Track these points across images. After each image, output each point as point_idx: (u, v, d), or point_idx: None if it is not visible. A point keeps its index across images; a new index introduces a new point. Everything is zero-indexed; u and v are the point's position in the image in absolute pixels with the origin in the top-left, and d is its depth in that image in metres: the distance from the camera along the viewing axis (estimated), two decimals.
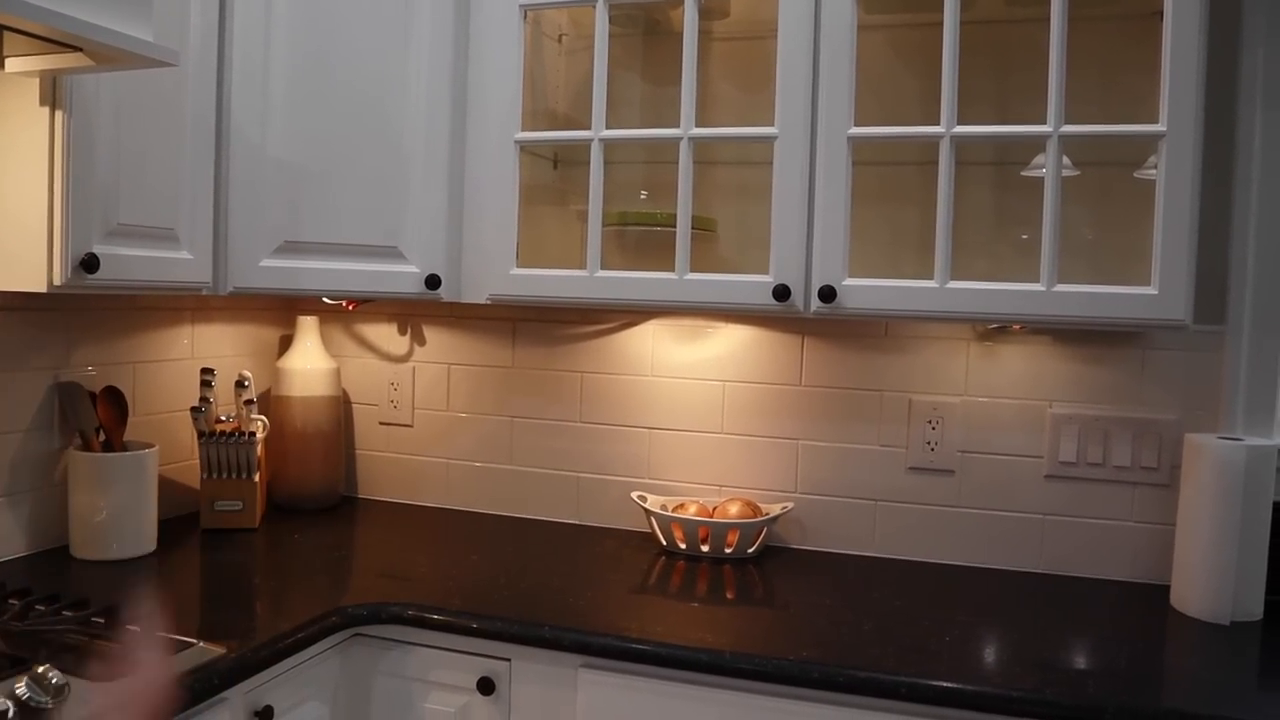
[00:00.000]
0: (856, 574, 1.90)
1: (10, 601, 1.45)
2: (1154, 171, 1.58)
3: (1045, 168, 1.61)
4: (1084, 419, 1.92)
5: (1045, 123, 1.60)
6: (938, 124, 1.64)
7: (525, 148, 1.91)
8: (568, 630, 1.53)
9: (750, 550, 1.97)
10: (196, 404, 2.02)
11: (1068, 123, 1.60)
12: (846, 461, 2.05)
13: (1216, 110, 1.80)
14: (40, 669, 1.15)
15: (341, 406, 2.33)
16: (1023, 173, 1.87)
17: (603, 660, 1.52)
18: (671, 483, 2.16)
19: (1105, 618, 1.68)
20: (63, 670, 1.17)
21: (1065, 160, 1.73)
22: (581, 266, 1.83)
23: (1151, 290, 1.57)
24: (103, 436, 1.85)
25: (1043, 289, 1.60)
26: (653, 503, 2.06)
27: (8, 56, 1.40)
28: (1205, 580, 1.69)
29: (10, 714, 1.08)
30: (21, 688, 1.13)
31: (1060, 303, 1.59)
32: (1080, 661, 1.46)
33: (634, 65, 2.13)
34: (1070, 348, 1.92)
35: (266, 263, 1.80)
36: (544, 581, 1.77)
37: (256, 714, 1.44)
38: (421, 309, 2.34)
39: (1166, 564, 1.86)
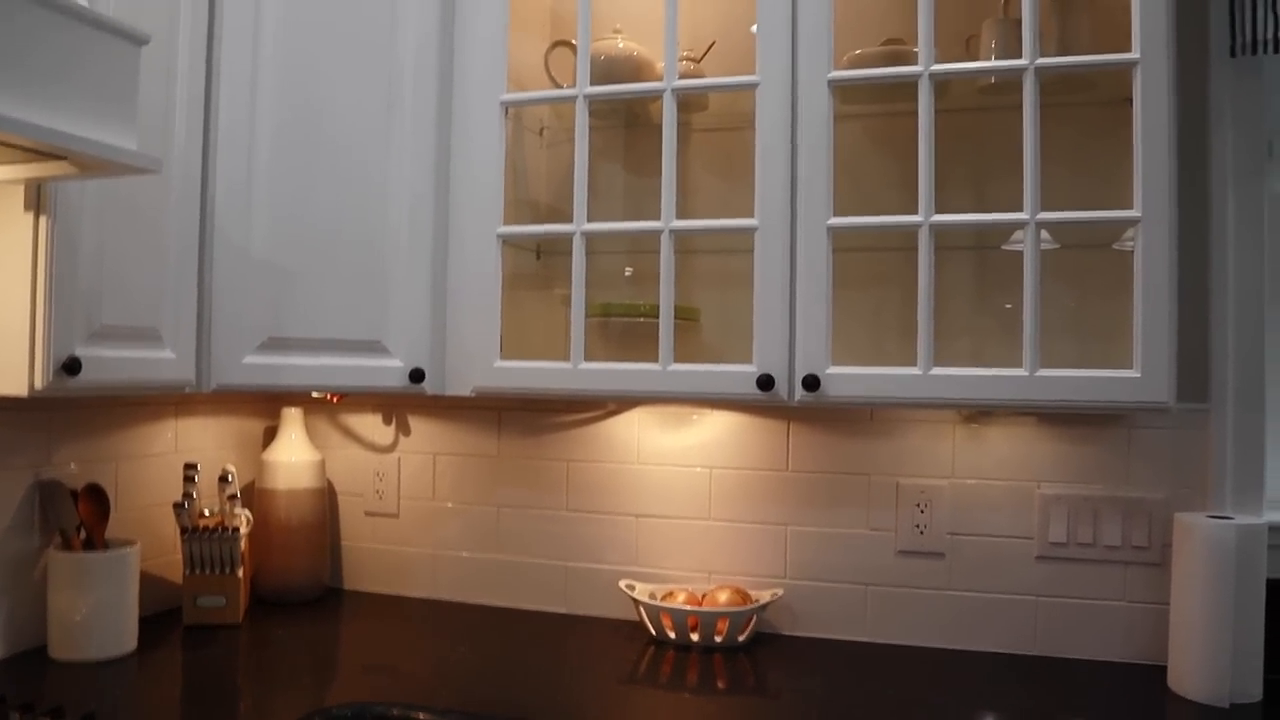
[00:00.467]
0: (848, 660, 1.87)
1: None
2: (1132, 243, 1.59)
3: (1024, 247, 1.63)
4: (1073, 499, 1.91)
5: (1022, 208, 1.62)
6: (916, 211, 1.66)
7: (508, 240, 1.92)
8: None
9: (740, 638, 1.94)
10: (179, 500, 2.00)
11: (1045, 209, 1.62)
12: (835, 546, 2.03)
13: (1189, 191, 1.83)
14: None
15: (326, 498, 2.32)
16: (1003, 246, 1.89)
17: None
18: (660, 570, 2.14)
19: (1102, 701, 1.66)
20: None
21: (1044, 234, 1.75)
22: (565, 356, 1.83)
23: (1134, 373, 1.58)
24: (84, 534, 1.83)
25: (1025, 374, 1.61)
26: (641, 591, 2.04)
27: None
28: (1202, 661, 1.67)
29: None
30: None
31: (1043, 388, 1.60)
32: None
33: (615, 156, 2.15)
34: (1056, 428, 1.92)
35: (250, 360, 1.80)
36: (533, 674, 1.74)
37: None
38: (406, 400, 2.33)
39: (1162, 643, 1.84)
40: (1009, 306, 1.86)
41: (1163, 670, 1.79)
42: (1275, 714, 1.61)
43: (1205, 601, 1.67)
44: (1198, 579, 1.68)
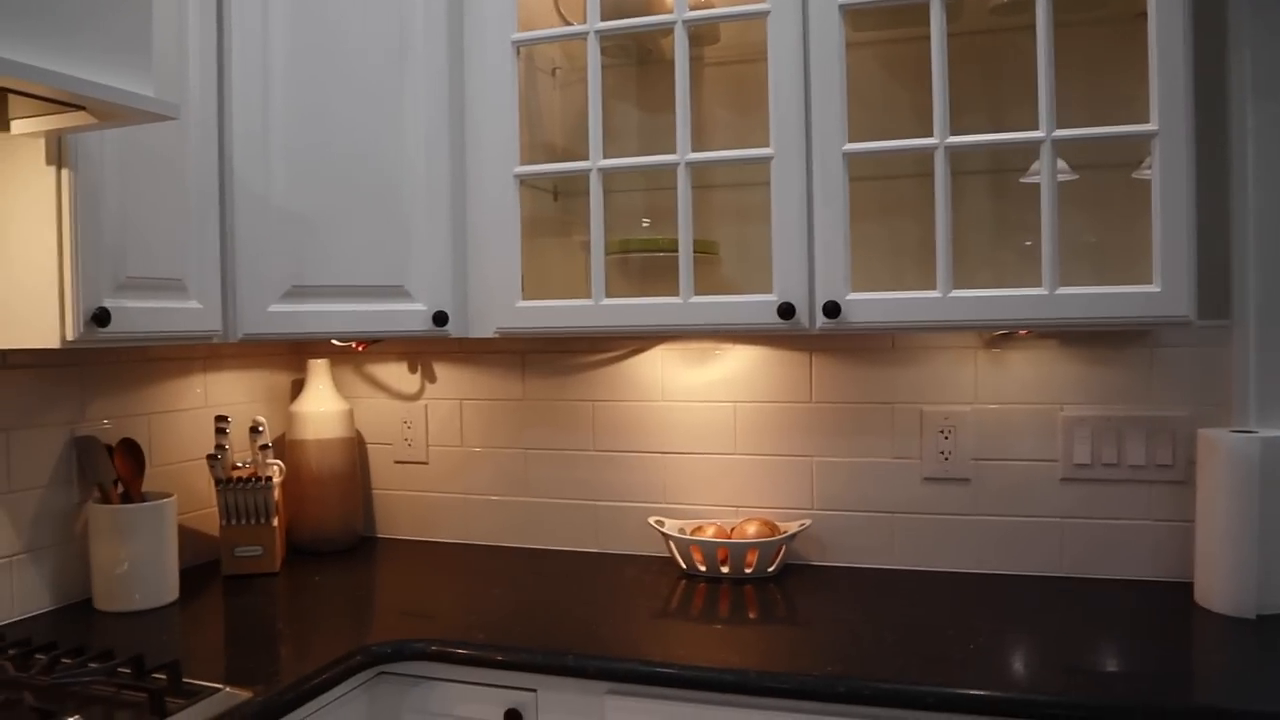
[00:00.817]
0: (877, 587, 1.89)
1: (37, 656, 1.46)
2: (1150, 171, 1.59)
3: (1041, 165, 1.62)
4: (1096, 420, 1.92)
5: (1037, 128, 1.61)
6: (931, 136, 1.66)
7: (525, 181, 1.93)
8: (592, 658, 1.53)
9: (770, 569, 1.97)
10: (212, 451, 2.04)
11: (1060, 127, 1.61)
12: (861, 475, 2.05)
13: (1207, 107, 1.82)
14: (72, 719, 1.15)
15: (356, 447, 2.35)
16: (1021, 180, 1.88)
17: (629, 686, 1.53)
18: (688, 506, 2.16)
19: (1129, 618, 1.67)
20: None
21: (1062, 165, 1.74)
22: (586, 296, 1.85)
23: (1154, 288, 1.57)
24: (121, 488, 1.87)
25: (1045, 293, 1.61)
26: (670, 527, 2.06)
27: (13, 119, 1.42)
28: (1228, 575, 1.68)
29: None
30: None
31: (1064, 305, 1.60)
32: (1106, 663, 1.45)
33: (628, 95, 2.15)
34: (1078, 350, 1.93)
35: (275, 308, 1.82)
36: (566, 611, 1.77)
37: None
38: (430, 346, 2.35)
39: (1188, 561, 1.85)
40: (1029, 243, 1.86)
41: (1189, 587, 1.80)
42: None
43: (1230, 515, 1.68)
44: (1222, 493, 1.69)
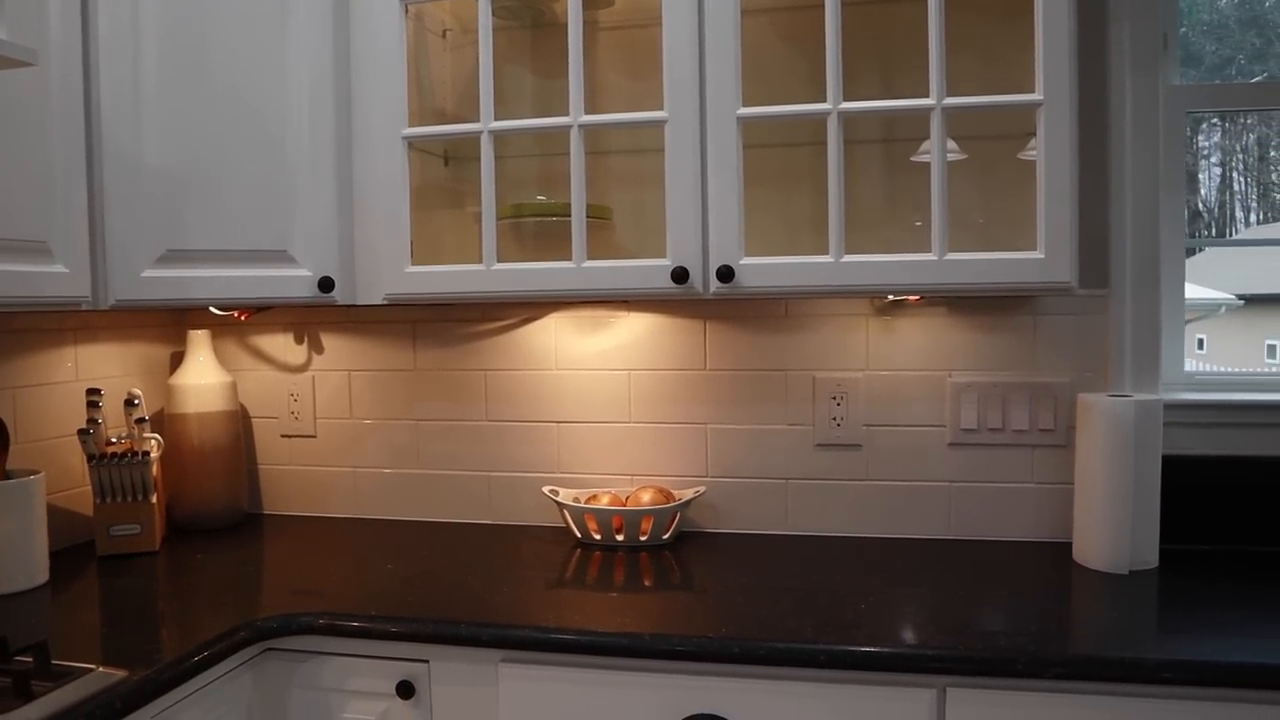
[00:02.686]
0: (771, 553, 1.91)
1: None
2: (1035, 152, 1.62)
3: (932, 132, 1.64)
4: (982, 386, 1.96)
5: (928, 97, 1.63)
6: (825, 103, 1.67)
7: (414, 144, 1.88)
8: (485, 626, 1.51)
9: (665, 537, 1.97)
10: (84, 426, 1.94)
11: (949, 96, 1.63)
12: (756, 443, 2.06)
13: (1089, 82, 1.87)
14: None
15: (240, 421, 2.27)
16: (912, 158, 1.90)
17: (522, 653, 1.51)
18: (583, 475, 2.15)
19: (1012, 576, 1.72)
20: None
21: (951, 145, 1.77)
22: (477, 261, 1.81)
23: (1038, 255, 1.61)
24: None
25: (935, 259, 1.63)
26: (565, 496, 2.05)
27: None
28: (1103, 533, 1.75)
29: None
30: None
31: (952, 271, 1.63)
32: (990, 618, 1.49)
33: (521, 59, 2.11)
34: (966, 318, 1.97)
35: (149, 273, 1.73)
36: (459, 582, 1.74)
37: None
38: (317, 316, 2.28)
39: (1068, 521, 1.92)
40: (919, 224, 1.89)
41: (1068, 546, 1.87)
42: (1169, 578, 1.69)
43: (1106, 476, 1.74)
44: (1099, 455, 1.75)
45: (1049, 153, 1.60)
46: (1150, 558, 1.75)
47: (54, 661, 1.33)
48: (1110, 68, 1.89)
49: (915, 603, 1.57)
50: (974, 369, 1.97)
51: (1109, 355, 1.92)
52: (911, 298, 1.95)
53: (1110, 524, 1.74)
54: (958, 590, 1.64)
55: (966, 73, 1.77)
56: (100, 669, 1.33)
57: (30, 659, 1.31)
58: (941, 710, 1.39)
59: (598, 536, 1.97)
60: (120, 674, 1.32)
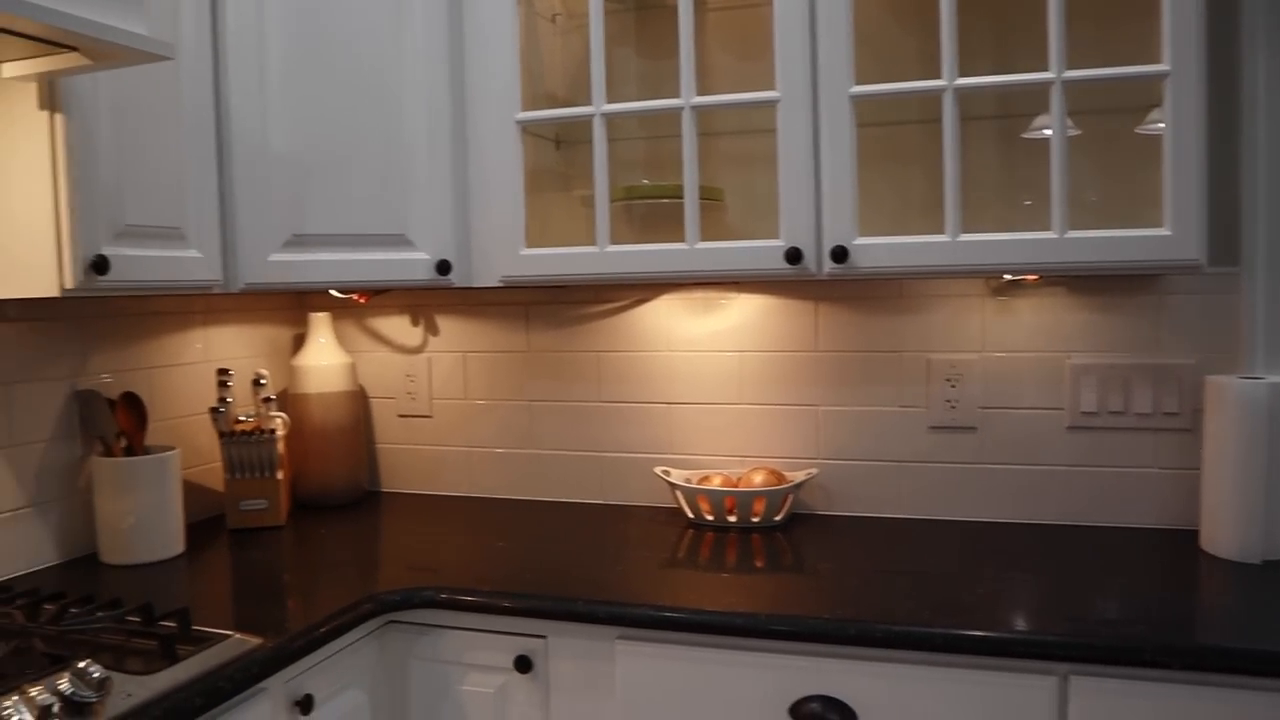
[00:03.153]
0: (884, 535, 1.89)
1: (45, 606, 1.46)
2: (1157, 126, 1.56)
3: (1049, 123, 1.59)
4: (1103, 368, 1.91)
5: (1048, 71, 1.59)
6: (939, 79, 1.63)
7: (527, 128, 1.90)
8: (602, 603, 1.53)
9: (777, 518, 1.96)
10: (215, 405, 2.02)
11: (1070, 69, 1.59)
12: (868, 424, 2.04)
13: (1219, 50, 1.79)
14: (81, 664, 1.15)
15: (359, 401, 2.34)
16: (1023, 135, 1.86)
17: (639, 631, 1.53)
18: (694, 456, 2.16)
19: (1135, 563, 1.67)
20: (104, 667, 1.18)
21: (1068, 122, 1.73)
22: (588, 245, 1.83)
23: (1164, 231, 1.56)
24: (124, 443, 1.86)
25: (1055, 237, 1.59)
26: (676, 476, 2.06)
27: (3, 62, 1.40)
28: (1234, 521, 1.68)
29: (55, 709, 1.09)
30: (64, 684, 1.13)
31: (1074, 249, 1.58)
32: (1114, 605, 1.45)
33: (629, 42, 2.12)
34: (1085, 297, 1.91)
35: (275, 257, 1.80)
36: (573, 560, 1.77)
37: (297, 703, 1.44)
38: (433, 299, 2.34)
39: (1193, 508, 1.86)
40: (1029, 203, 1.85)
41: (1195, 534, 1.81)
42: None
43: (1237, 461, 1.68)
44: (1229, 439, 1.68)
45: (1176, 125, 1.55)
46: None
47: (194, 627, 1.40)
48: (1243, 34, 1.81)
49: (1034, 588, 1.54)
50: (1094, 350, 1.92)
51: (1239, 336, 1.84)
52: (1029, 277, 1.91)
53: (1242, 511, 1.67)
54: (1078, 577, 1.60)
55: (1085, 45, 1.72)
56: (237, 635, 1.39)
57: (173, 624, 1.38)
58: (1064, 698, 1.36)
59: (710, 517, 1.98)
60: (256, 640, 1.38)
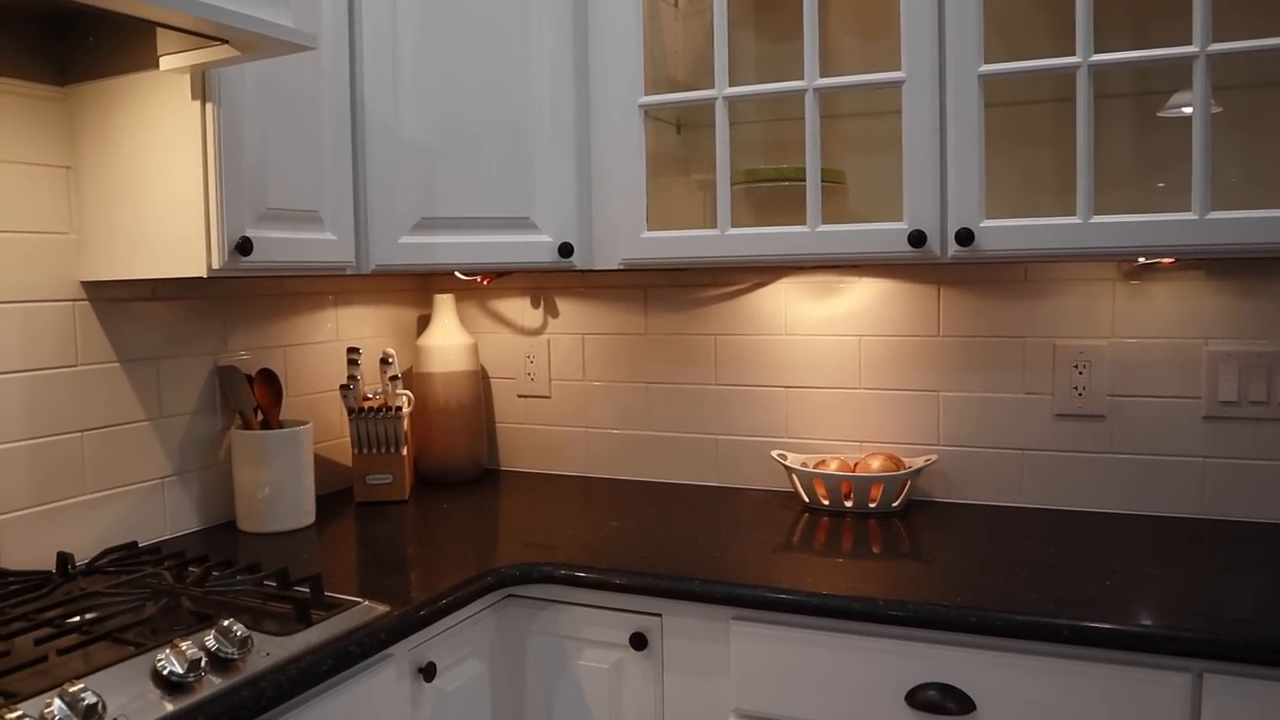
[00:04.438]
0: (1005, 524, 1.85)
1: (190, 569, 1.54)
2: None
3: (1187, 100, 1.53)
4: (1244, 355, 1.83)
5: (1190, 44, 1.53)
6: (1071, 56, 1.58)
7: (649, 112, 1.91)
8: (718, 583, 1.54)
9: (895, 504, 1.94)
10: (345, 382, 2.10)
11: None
12: (990, 411, 2.00)
13: None
14: (225, 622, 1.21)
15: (481, 381, 2.39)
16: (1159, 113, 1.78)
17: (754, 612, 1.53)
18: (810, 440, 2.15)
19: (1275, 560, 1.60)
20: (245, 626, 1.24)
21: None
22: (708, 228, 1.83)
23: None
24: (260, 416, 1.94)
25: (1195, 218, 1.53)
26: (793, 460, 2.05)
27: (161, 55, 1.48)
28: None
29: (203, 663, 1.15)
30: (210, 640, 1.20)
31: (1216, 230, 1.52)
32: (1250, 603, 1.39)
33: (748, 25, 2.11)
34: (1225, 281, 1.84)
35: (405, 240, 1.86)
36: (689, 540, 1.78)
37: (420, 670, 1.49)
38: (553, 281, 2.38)
39: None
40: (1162, 185, 1.77)
41: None
42: None
43: None
44: None
45: None
46: None
47: (327, 594, 1.46)
48: None
49: (1165, 582, 1.49)
50: (1235, 337, 1.84)
51: None
52: (1165, 260, 1.84)
53: None
54: (1212, 572, 1.54)
55: (1225, 14, 1.64)
56: (365, 602, 1.44)
57: (307, 590, 1.44)
58: (1198, 696, 1.31)
59: (826, 502, 1.97)
60: (383, 608, 1.43)
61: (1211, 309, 1.85)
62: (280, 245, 1.63)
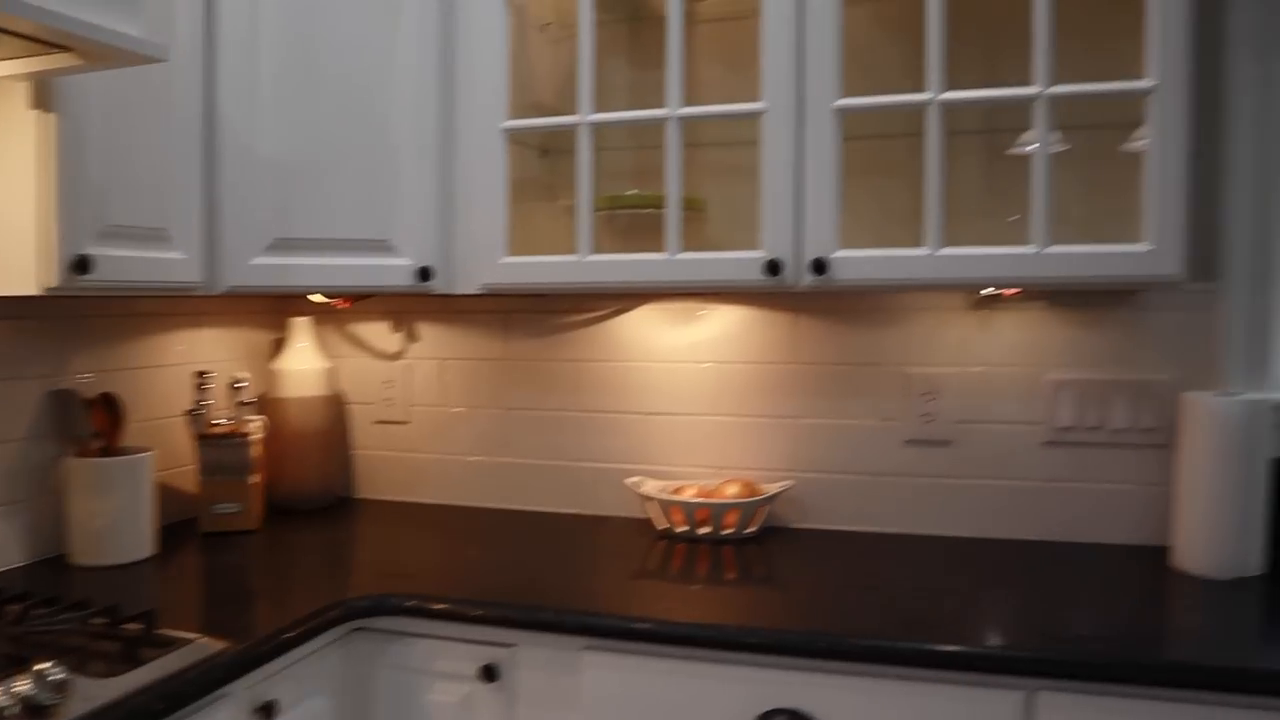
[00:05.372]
0: (858, 550, 1.89)
1: (8, 607, 1.44)
2: (1142, 143, 1.57)
3: (1034, 140, 1.60)
4: (1081, 383, 1.91)
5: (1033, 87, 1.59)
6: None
7: (513, 137, 1.90)
8: (570, 613, 1.52)
9: (750, 530, 1.96)
10: (192, 407, 2.02)
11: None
12: (844, 438, 2.04)
13: (1205, 66, 1.80)
14: (41, 667, 1.14)
15: (337, 406, 2.33)
16: (1010, 150, 1.86)
17: (607, 641, 1.52)
18: (669, 467, 2.15)
19: (1107, 580, 1.67)
20: (65, 668, 1.17)
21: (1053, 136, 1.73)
22: (572, 253, 1.83)
23: (1145, 247, 1.57)
24: (99, 443, 1.84)
25: (1035, 251, 1.60)
26: (650, 487, 2.05)
27: None
28: (1206, 538, 1.69)
29: (15, 712, 1.08)
30: (24, 686, 1.12)
31: (1054, 264, 1.59)
32: (1084, 622, 1.45)
33: (619, 52, 2.12)
34: (1064, 312, 1.92)
35: (259, 260, 1.79)
36: (545, 569, 1.76)
37: (260, 709, 1.43)
38: (414, 305, 2.33)
39: (1168, 525, 1.85)
40: (1015, 218, 1.84)
41: (1168, 551, 1.80)
42: (1275, 586, 1.62)
43: (1211, 477, 1.68)
44: (1204, 455, 1.69)
45: (1160, 141, 1.56)
46: (1256, 564, 1.68)
47: (160, 630, 1.38)
48: (1228, 52, 1.82)
49: (1005, 604, 1.54)
50: (1072, 366, 1.92)
51: (1217, 353, 1.85)
52: (1009, 292, 1.91)
53: (1213, 528, 1.68)
54: (1050, 592, 1.60)
55: (1071, 61, 1.72)
56: (202, 639, 1.38)
57: (138, 626, 1.37)
58: (1032, 714, 1.36)
59: (683, 529, 1.97)
60: (220, 645, 1.36)
61: (1052, 339, 1.93)
62: (123, 264, 1.56)
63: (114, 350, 1.96)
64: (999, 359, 1.96)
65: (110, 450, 1.85)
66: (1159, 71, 1.55)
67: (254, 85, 1.77)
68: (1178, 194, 1.55)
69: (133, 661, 1.27)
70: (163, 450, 2.07)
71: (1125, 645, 1.35)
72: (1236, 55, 1.81)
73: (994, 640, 1.37)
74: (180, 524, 2.10)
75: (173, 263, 1.67)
